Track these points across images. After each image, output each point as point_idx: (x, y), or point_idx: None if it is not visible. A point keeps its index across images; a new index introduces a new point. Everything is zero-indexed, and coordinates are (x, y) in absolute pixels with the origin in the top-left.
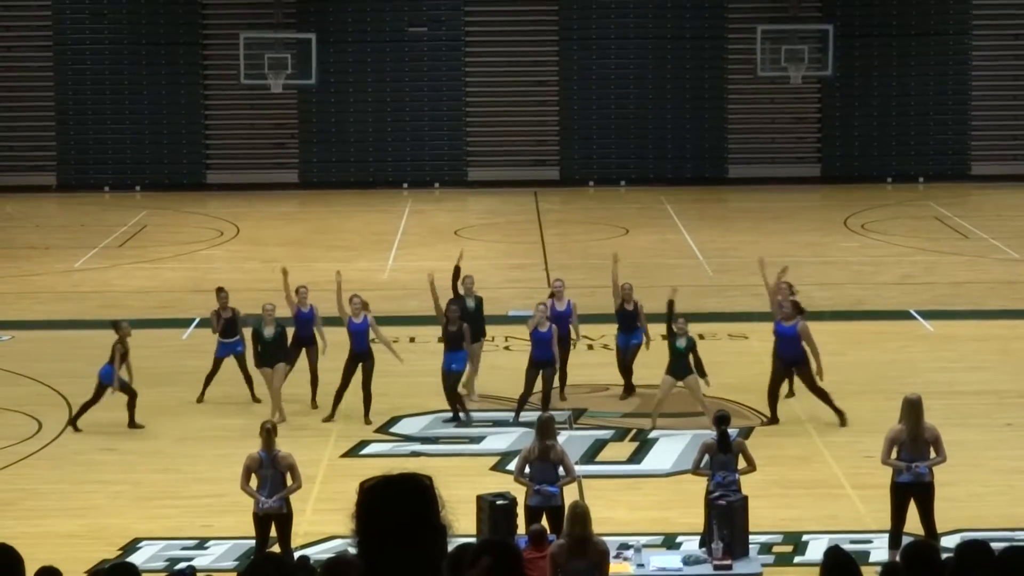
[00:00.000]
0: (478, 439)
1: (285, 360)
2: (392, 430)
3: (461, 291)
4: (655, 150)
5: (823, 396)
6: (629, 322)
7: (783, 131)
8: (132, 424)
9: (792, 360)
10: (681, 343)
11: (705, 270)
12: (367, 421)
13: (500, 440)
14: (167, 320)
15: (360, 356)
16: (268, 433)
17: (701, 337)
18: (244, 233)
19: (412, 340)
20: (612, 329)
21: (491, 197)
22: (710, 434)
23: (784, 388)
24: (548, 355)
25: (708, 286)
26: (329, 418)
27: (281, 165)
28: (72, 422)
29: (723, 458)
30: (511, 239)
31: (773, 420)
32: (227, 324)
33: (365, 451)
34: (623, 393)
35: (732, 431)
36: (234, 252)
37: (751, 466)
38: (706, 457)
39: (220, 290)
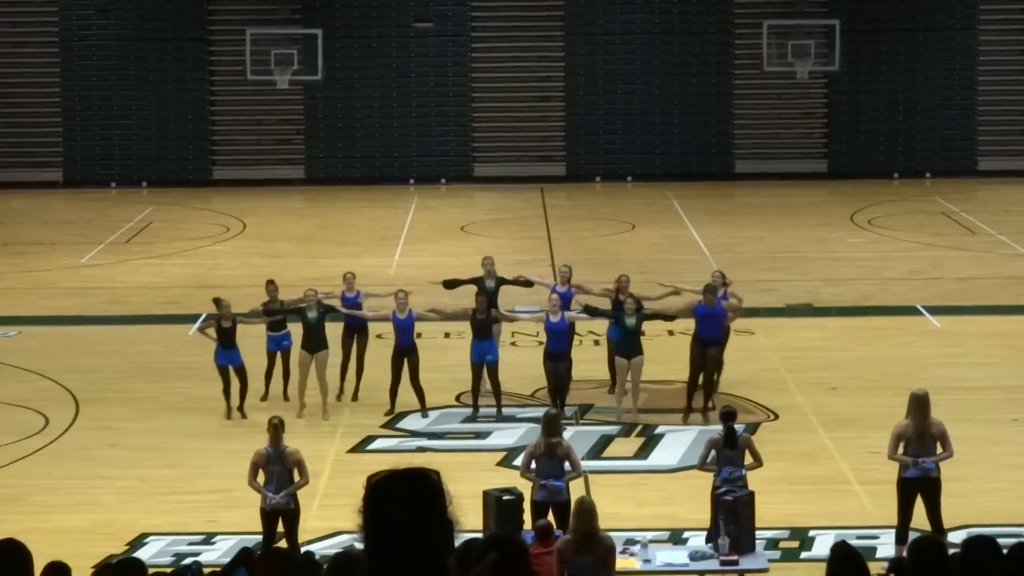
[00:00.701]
0: (484, 435)
1: (326, 347)
2: (399, 425)
3: (482, 272)
4: (662, 145)
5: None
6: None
7: (790, 126)
8: (239, 409)
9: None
10: (631, 321)
11: (712, 266)
12: (424, 414)
13: (506, 436)
14: (173, 316)
15: (405, 351)
16: (275, 429)
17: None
18: (250, 229)
19: (419, 336)
20: None
21: (497, 193)
22: (716, 430)
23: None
24: (563, 347)
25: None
26: (390, 412)
27: (287, 161)
28: (239, 409)
29: (729, 453)
30: (517, 235)
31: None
32: (273, 315)
33: (372, 446)
34: (611, 388)
35: (739, 427)
36: (240, 248)
37: (758, 462)
38: (712, 452)
39: (270, 283)
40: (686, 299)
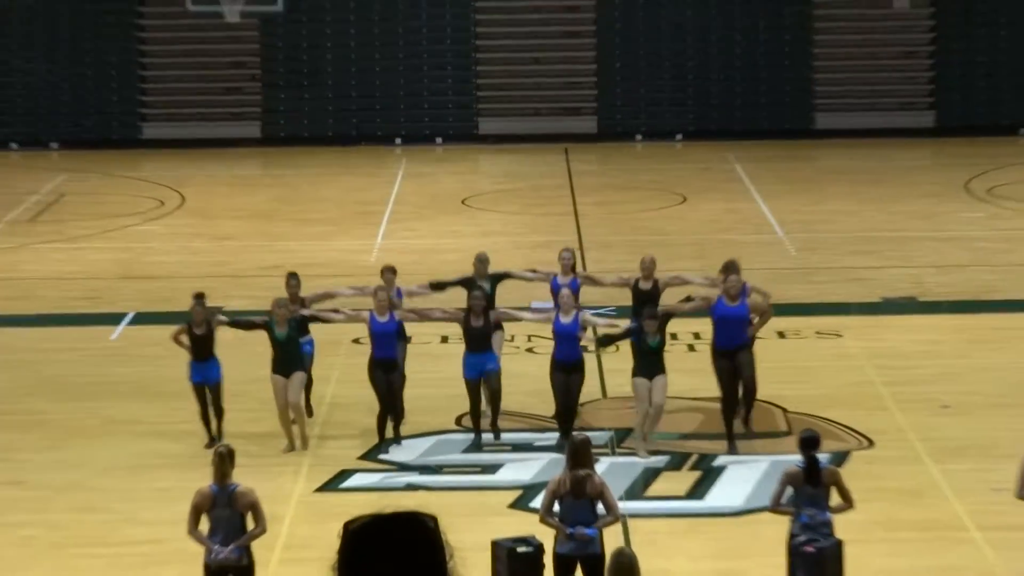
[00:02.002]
0: (493, 468)
1: (302, 368)
2: (382, 456)
3: (473, 274)
4: (720, 95)
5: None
6: (645, 304)
7: (885, 69)
8: (216, 435)
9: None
10: (655, 342)
11: (786, 248)
12: (397, 441)
13: (522, 469)
14: (90, 316)
15: (384, 365)
16: (221, 460)
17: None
18: (191, 203)
19: (408, 340)
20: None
21: (509, 156)
22: (794, 460)
23: None
24: (575, 354)
25: (790, 269)
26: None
27: (239, 116)
28: (216, 435)
29: (811, 491)
30: (535, 210)
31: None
32: (297, 326)
33: (347, 483)
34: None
35: (822, 457)
36: (178, 228)
37: (847, 502)
38: (789, 490)
39: (291, 276)
40: (703, 291)
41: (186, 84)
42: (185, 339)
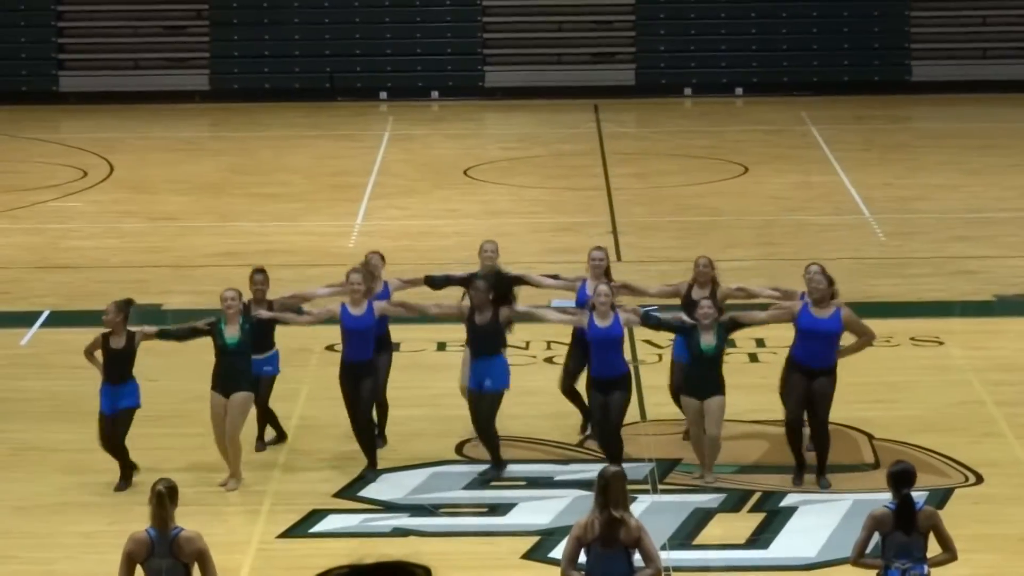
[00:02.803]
0: (504, 509)
1: (249, 388)
2: (362, 493)
3: (480, 265)
4: (791, 40)
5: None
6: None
7: (1000, 7)
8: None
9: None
10: (709, 342)
11: (873, 233)
12: (370, 474)
13: (539, 511)
14: None
15: (356, 369)
16: (161, 499)
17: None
18: (121, 173)
19: (395, 347)
20: None
21: (523, 114)
22: (883, 500)
23: None
24: (616, 367)
25: (878, 259)
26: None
27: (181, 63)
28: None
29: (904, 540)
30: (556, 183)
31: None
32: (255, 329)
33: (319, 527)
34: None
35: (918, 496)
36: (104, 205)
37: (948, 552)
38: (876, 538)
39: (257, 272)
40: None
41: (114, 25)
42: (99, 355)
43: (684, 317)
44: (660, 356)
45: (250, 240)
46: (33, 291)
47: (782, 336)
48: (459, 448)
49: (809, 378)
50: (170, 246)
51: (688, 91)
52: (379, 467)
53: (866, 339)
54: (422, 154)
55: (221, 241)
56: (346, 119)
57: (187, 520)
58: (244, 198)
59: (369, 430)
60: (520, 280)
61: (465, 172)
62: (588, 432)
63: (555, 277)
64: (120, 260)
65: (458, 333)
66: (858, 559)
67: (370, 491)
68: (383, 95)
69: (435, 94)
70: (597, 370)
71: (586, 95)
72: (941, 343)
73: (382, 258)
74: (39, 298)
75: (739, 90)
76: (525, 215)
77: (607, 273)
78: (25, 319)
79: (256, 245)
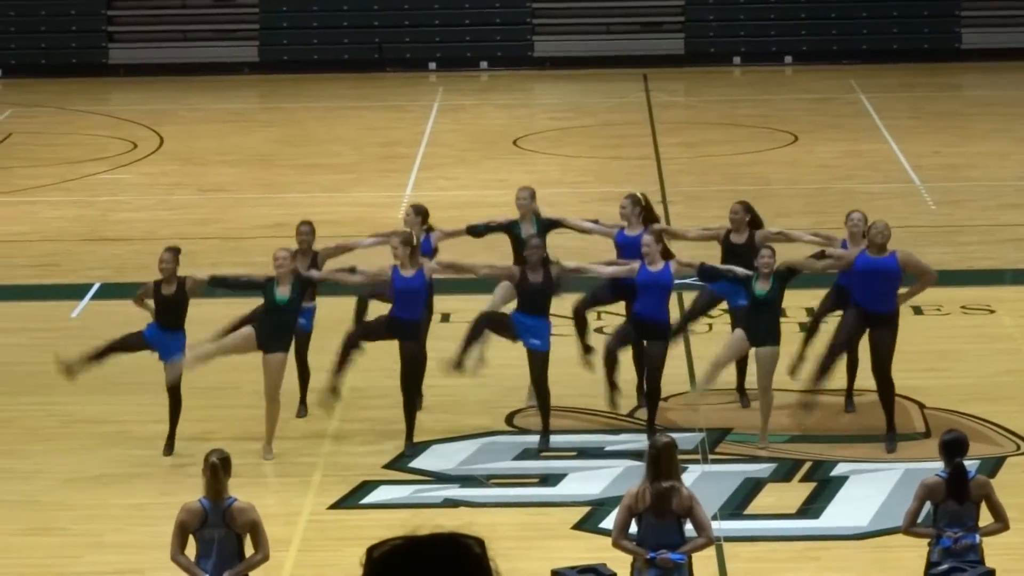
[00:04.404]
0: (555, 479)
1: (285, 348)
2: (413, 464)
3: (519, 217)
4: (840, 7)
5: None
6: (737, 265)
7: None
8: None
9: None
10: (763, 288)
11: (923, 201)
12: (408, 449)
13: (590, 480)
14: (46, 288)
15: (401, 328)
16: (215, 470)
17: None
18: (171, 145)
19: (446, 318)
20: None
21: (572, 84)
22: (934, 469)
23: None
24: (659, 314)
25: (929, 228)
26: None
27: (230, 34)
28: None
29: (955, 509)
30: (605, 152)
31: None
32: (302, 290)
33: (369, 499)
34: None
35: (970, 465)
36: (155, 177)
37: (1001, 521)
38: (928, 507)
39: (303, 224)
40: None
41: None
42: (151, 302)
43: (736, 269)
44: (710, 326)
45: (299, 211)
46: (83, 264)
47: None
48: (509, 419)
49: (869, 324)
50: (220, 218)
51: (737, 60)
52: (430, 439)
53: (928, 278)
54: (471, 124)
55: (270, 212)
56: (395, 89)
57: (239, 491)
58: (293, 169)
59: (409, 399)
60: (559, 223)
61: (514, 142)
62: (636, 404)
63: (595, 222)
64: (170, 232)
65: (509, 306)
66: (910, 528)
67: (421, 462)
68: (432, 65)
69: (484, 64)
70: (640, 308)
71: (635, 64)
72: (992, 311)
73: (422, 212)
74: (89, 271)
75: (788, 58)
76: (574, 185)
77: (648, 218)
78: (75, 291)
79: (305, 216)
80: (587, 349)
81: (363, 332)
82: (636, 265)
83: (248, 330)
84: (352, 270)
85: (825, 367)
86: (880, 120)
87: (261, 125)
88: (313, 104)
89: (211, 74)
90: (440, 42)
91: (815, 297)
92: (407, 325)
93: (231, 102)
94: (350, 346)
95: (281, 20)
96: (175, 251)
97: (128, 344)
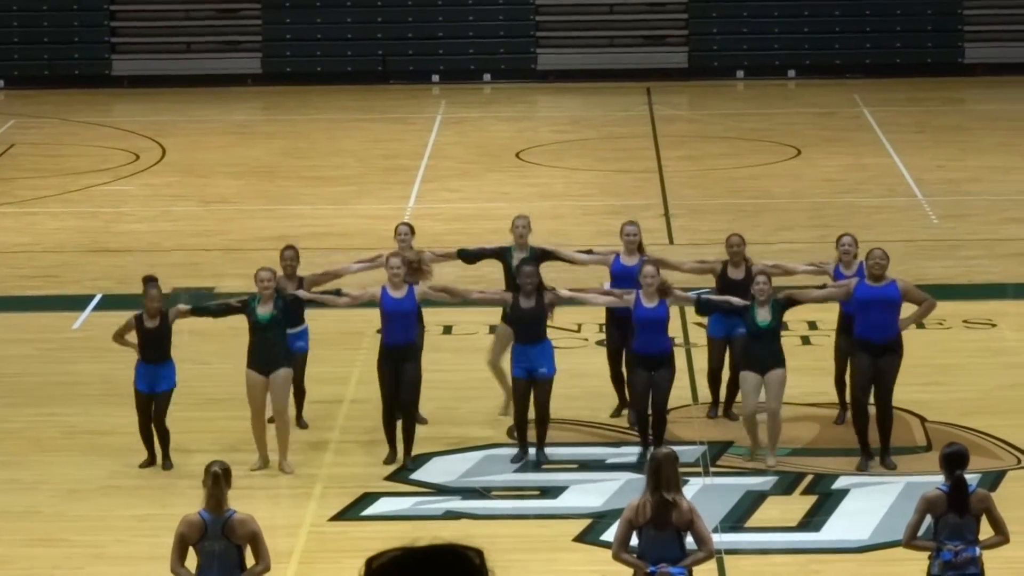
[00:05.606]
0: (555, 491)
1: (287, 364)
2: (414, 476)
3: (512, 239)
4: (843, 21)
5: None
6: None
7: None
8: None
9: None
10: (765, 317)
11: (926, 215)
12: (408, 464)
13: (591, 493)
14: (49, 299)
15: (395, 354)
16: (216, 481)
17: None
18: (173, 157)
19: (447, 331)
20: None
21: (575, 97)
22: (935, 483)
23: None
24: (662, 345)
25: (931, 241)
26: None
27: (233, 46)
28: (164, 458)
29: (956, 521)
30: (608, 166)
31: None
32: (285, 307)
33: (370, 510)
34: (711, 410)
35: (971, 478)
36: (157, 188)
37: (1001, 535)
38: (929, 520)
39: (287, 249)
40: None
41: (166, 6)
42: (132, 337)
43: (732, 299)
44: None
45: (302, 223)
46: (86, 275)
47: (835, 319)
48: (511, 431)
49: (875, 356)
50: (222, 229)
51: (740, 73)
52: (431, 451)
53: (927, 304)
54: (474, 137)
55: (273, 224)
56: (398, 102)
57: (239, 503)
58: (296, 181)
59: (407, 417)
60: (551, 255)
61: (517, 155)
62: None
63: (589, 252)
64: (172, 244)
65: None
66: (910, 541)
67: (422, 474)
68: (435, 78)
69: (487, 77)
70: (642, 347)
71: (638, 78)
72: (994, 325)
73: (411, 229)
74: (92, 282)
75: (791, 72)
76: (577, 198)
77: (640, 248)
78: (78, 303)
79: (308, 228)
80: (624, 404)
81: (389, 401)
82: (631, 296)
83: (255, 384)
84: (338, 292)
85: (860, 427)
86: (883, 134)
87: (264, 137)
88: (316, 116)
89: (214, 86)
90: (444, 55)
91: (815, 310)
92: (405, 349)
93: (234, 114)
94: (389, 418)
95: (285, 32)
96: (157, 284)
97: (146, 413)
